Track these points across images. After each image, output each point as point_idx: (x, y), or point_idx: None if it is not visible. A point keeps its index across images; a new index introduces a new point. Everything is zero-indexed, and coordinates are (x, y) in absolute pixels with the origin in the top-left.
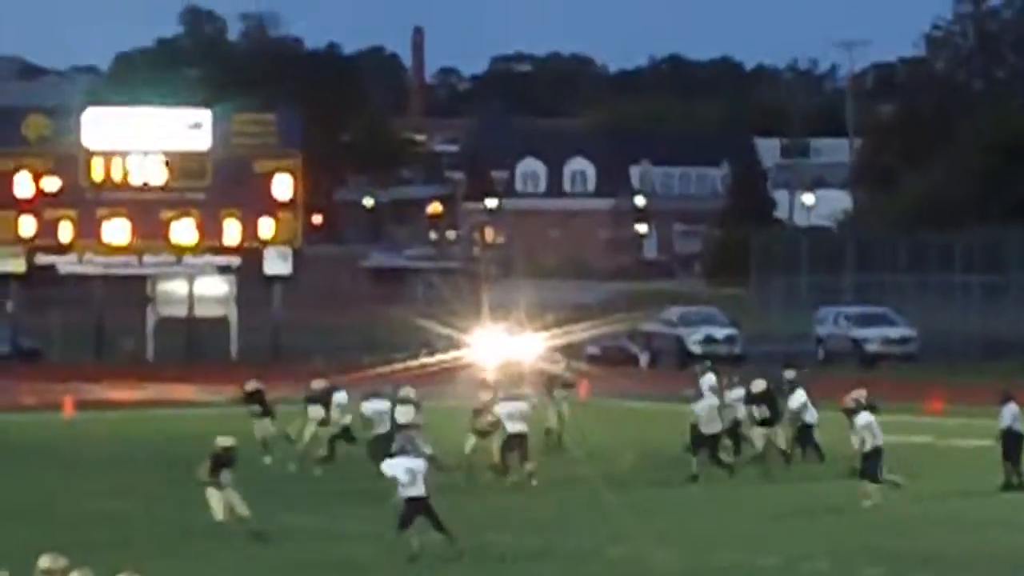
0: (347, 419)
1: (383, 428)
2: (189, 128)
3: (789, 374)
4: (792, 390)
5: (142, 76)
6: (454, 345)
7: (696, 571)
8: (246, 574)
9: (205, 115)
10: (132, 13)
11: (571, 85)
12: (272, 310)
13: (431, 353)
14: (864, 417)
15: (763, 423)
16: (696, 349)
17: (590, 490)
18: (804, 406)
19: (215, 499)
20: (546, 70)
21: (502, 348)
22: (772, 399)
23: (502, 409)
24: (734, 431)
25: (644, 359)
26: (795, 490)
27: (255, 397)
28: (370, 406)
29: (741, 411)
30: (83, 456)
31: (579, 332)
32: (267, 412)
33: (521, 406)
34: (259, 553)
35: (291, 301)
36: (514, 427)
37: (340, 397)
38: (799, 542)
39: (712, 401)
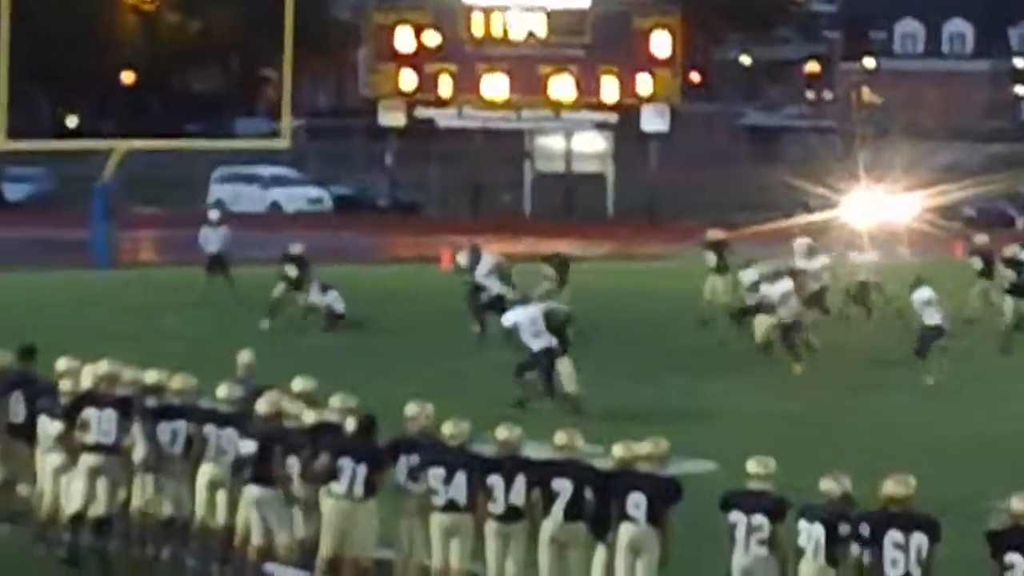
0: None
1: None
2: None
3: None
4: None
5: None
6: (829, 205)
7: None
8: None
9: None
10: None
11: None
12: (648, 167)
13: (807, 213)
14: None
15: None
16: None
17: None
18: None
19: None
20: None
21: (877, 208)
22: None
23: (772, 289)
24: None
25: (1021, 222)
26: None
27: (296, 262)
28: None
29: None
30: (456, 309)
31: (955, 193)
32: (299, 283)
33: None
34: None
35: (667, 159)
36: (788, 312)
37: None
38: None
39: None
